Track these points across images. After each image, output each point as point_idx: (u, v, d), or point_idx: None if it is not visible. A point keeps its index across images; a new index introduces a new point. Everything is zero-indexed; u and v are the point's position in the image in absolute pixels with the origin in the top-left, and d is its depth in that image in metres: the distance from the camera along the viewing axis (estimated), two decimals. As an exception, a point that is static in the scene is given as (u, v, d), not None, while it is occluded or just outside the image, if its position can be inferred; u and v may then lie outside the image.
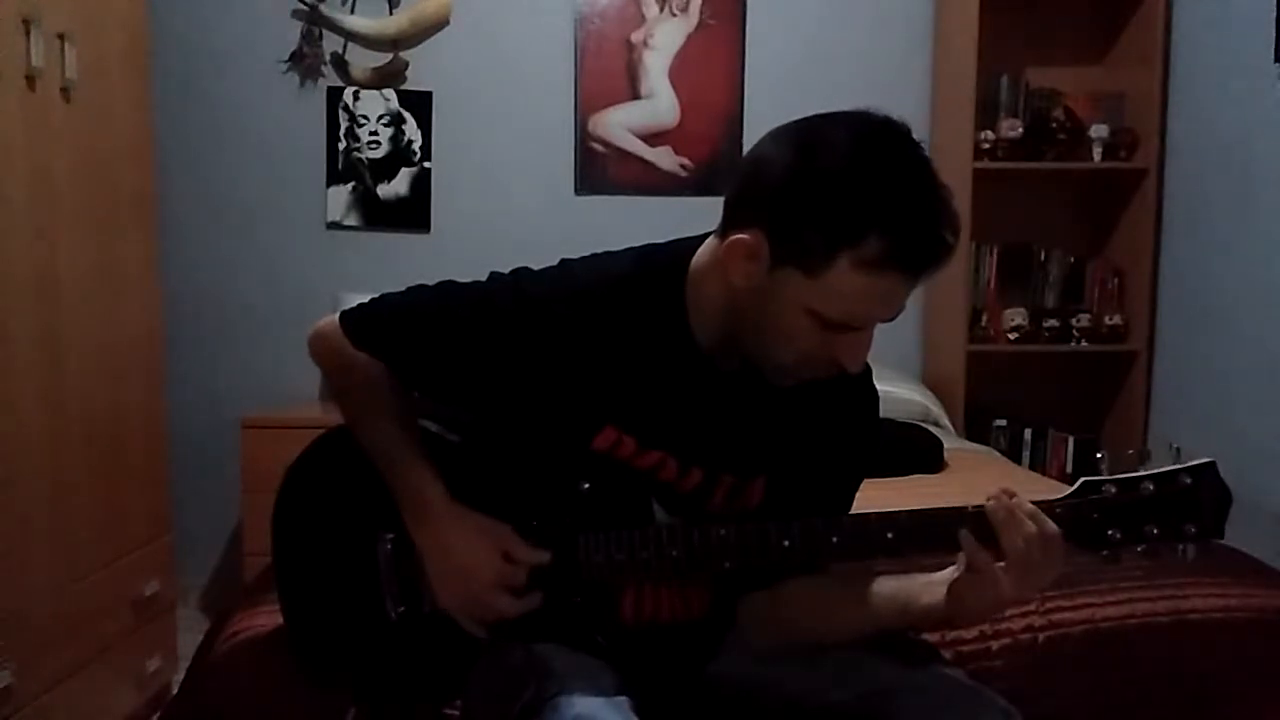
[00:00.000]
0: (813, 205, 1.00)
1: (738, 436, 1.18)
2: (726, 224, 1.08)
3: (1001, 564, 1.04)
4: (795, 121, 1.07)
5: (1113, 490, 1.07)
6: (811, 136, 1.04)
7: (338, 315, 1.26)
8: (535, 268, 1.21)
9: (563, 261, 1.21)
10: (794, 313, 1.05)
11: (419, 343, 1.20)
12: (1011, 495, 1.05)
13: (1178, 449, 1.08)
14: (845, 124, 1.04)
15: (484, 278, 1.21)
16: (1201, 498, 1.05)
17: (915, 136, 1.04)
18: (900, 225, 0.99)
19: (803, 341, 1.07)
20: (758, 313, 1.08)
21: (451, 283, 1.21)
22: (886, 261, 0.99)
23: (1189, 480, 1.06)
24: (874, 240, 0.99)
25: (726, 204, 1.10)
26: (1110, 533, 1.06)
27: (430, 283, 1.23)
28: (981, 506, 1.06)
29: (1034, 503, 1.06)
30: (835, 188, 1.00)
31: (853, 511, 1.21)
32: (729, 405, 1.17)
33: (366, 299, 1.26)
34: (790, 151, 1.03)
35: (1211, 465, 1.06)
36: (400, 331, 1.21)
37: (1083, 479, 1.08)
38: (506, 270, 1.21)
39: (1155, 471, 1.07)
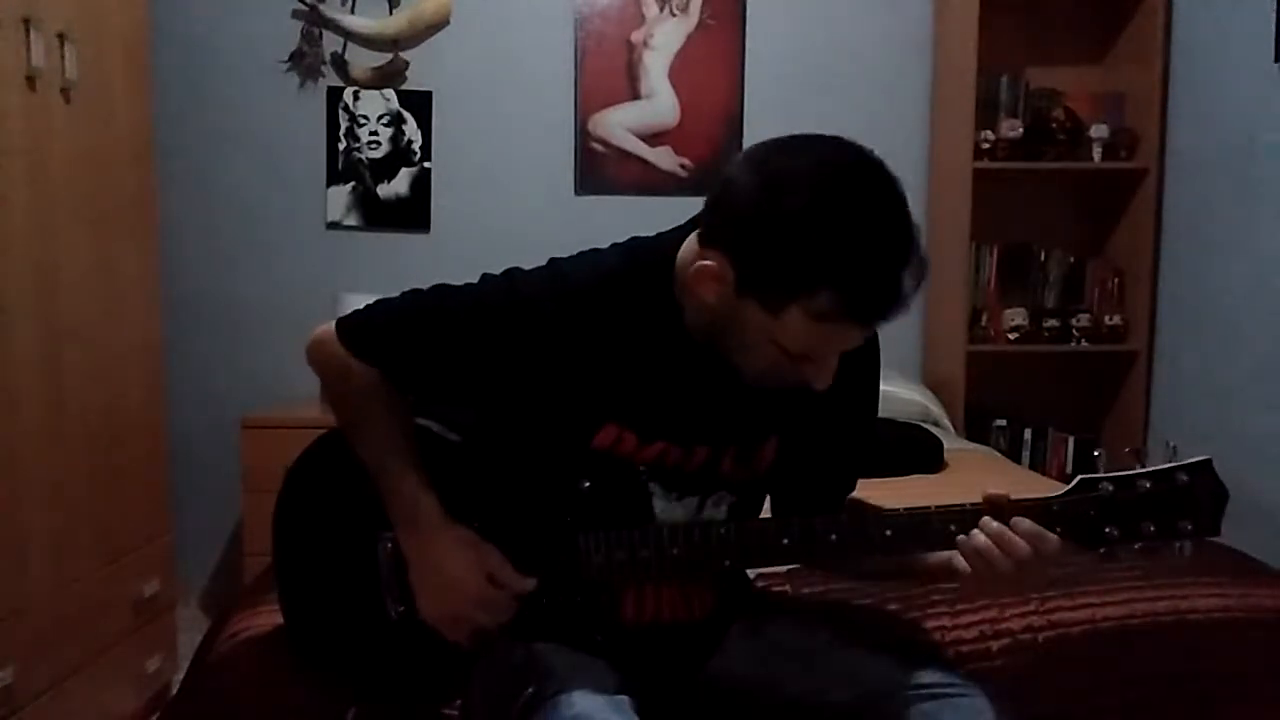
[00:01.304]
0: (769, 249, 1.01)
1: (738, 413, 1.19)
2: (702, 233, 1.09)
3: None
4: (767, 146, 1.06)
5: (1110, 488, 1.07)
6: (776, 170, 1.02)
7: (334, 322, 1.26)
8: (527, 268, 1.21)
9: (552, 260, 1.21)
10: (757, 339, 1.06)
11: (415, 348, 1.19)
12: (1010, 513, 1.05)
13: (1174, 447, 1.08)
14: (811, 161, 1.02)
15: (478, 279, 1.21)
16: (1198, 495, 1.06)
17: (890, 171, 1.02)
18: (853, 281, 0.99)
19: (769, 362, 1.08)
20: (725, 329, 1.09)
21: (445, 286, 1.21)
22: (837, 314, 1.00)
23: (1185, 478, 1.06)
24: (825, 294, 0.99)
25: (704, 208, 1.10)
26: (1108, 530, 1.06)
27: (428, 284, 1.23)
28: (980, 505, 1.07)
29: (1031, 500, 1.06)
30: (790, 236, 0.99)
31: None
32: (727, 387, 1.17)
33: (365, 301, 1.26)
34: (755, 183, 1.03)
35: (1207, 463, 1.06)
36: (396, 338, 1.21)
37: (1080, 476, 1.08)
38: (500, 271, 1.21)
39: (1152, 469, 1.07)
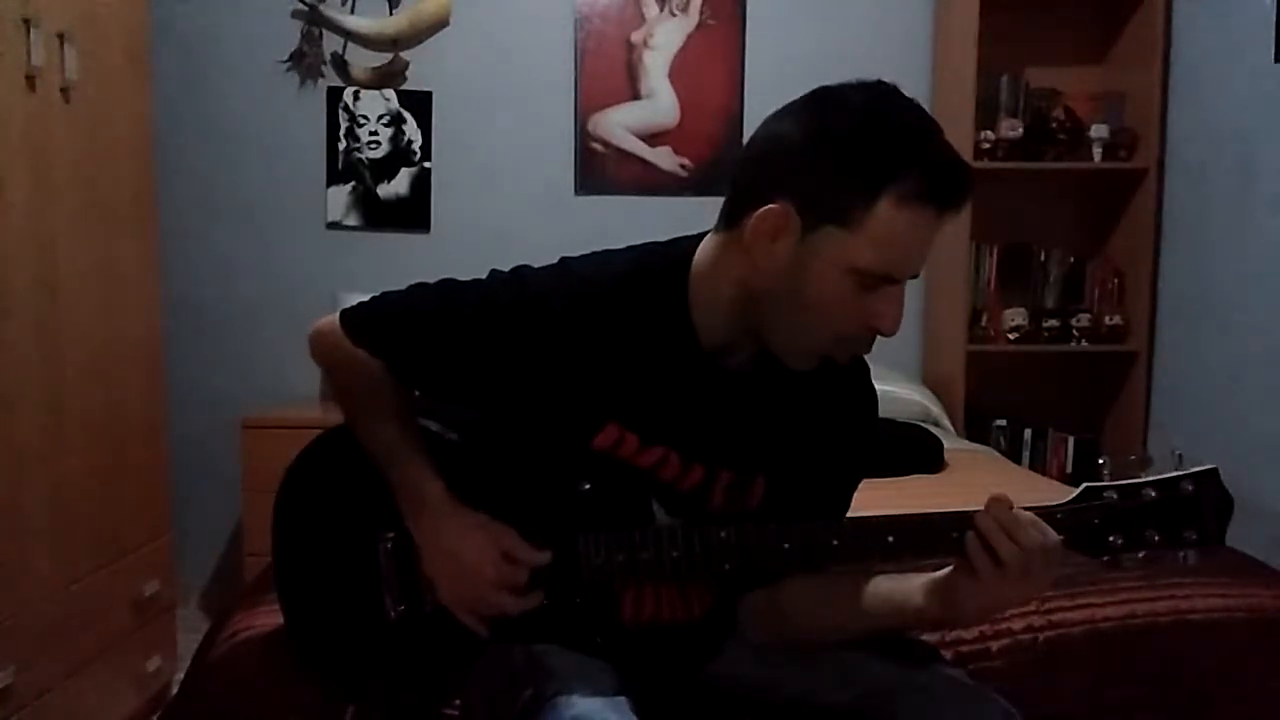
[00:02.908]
0: (845, 155, 1.02)
1: (739, 433, 1.18)
2: (737, 212, 1.08)
3: (1000, 568, 1.04)
4: (792, 101, 1.09)
5: (1115, 496, 1.06)
6: (820, 101, 1.06)
7: (338, 314, 1.26)
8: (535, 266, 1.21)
9: (563, 259, 1.21)
10: (833, 276, 1.04)
11: (419, 341, 1.20)
12: (1010, 507, 1.05)
13: (1180, 455, 1.08)
14: (845, 86, 1.06)
15: (487, 275, 1.21)
16: (1203, 504, 1.05)
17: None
18: (933, 159, 1.02)
19: (839, 310, 1.06)
20: (787, 293, 1.07)
21: (452, 280, 1.21)
22: (925, 195, 1.01)
23: (1191, 487, 1.05)
24: (913, 175, 1.00)
25: (734, 194, 1.09)
26: (1112, 538, 1.06)
27: (430, 282, 1.23)
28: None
29: (1037, 508, 1.06)
30: (865, 133, 1.02)
31: (854, 512, 1.21)
32: (731, 402, 1.17)
33: (366, 298, 1.26)
34: (802, 119, 1.05)
35: (1213, 472, 1.06)
36: (400, 330, 1.21)
37: (1085, 484, 1.08)
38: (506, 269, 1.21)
39: (1157, 478, 1.06)
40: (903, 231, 1.02)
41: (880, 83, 1.06)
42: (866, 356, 1.20)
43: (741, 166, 1.11)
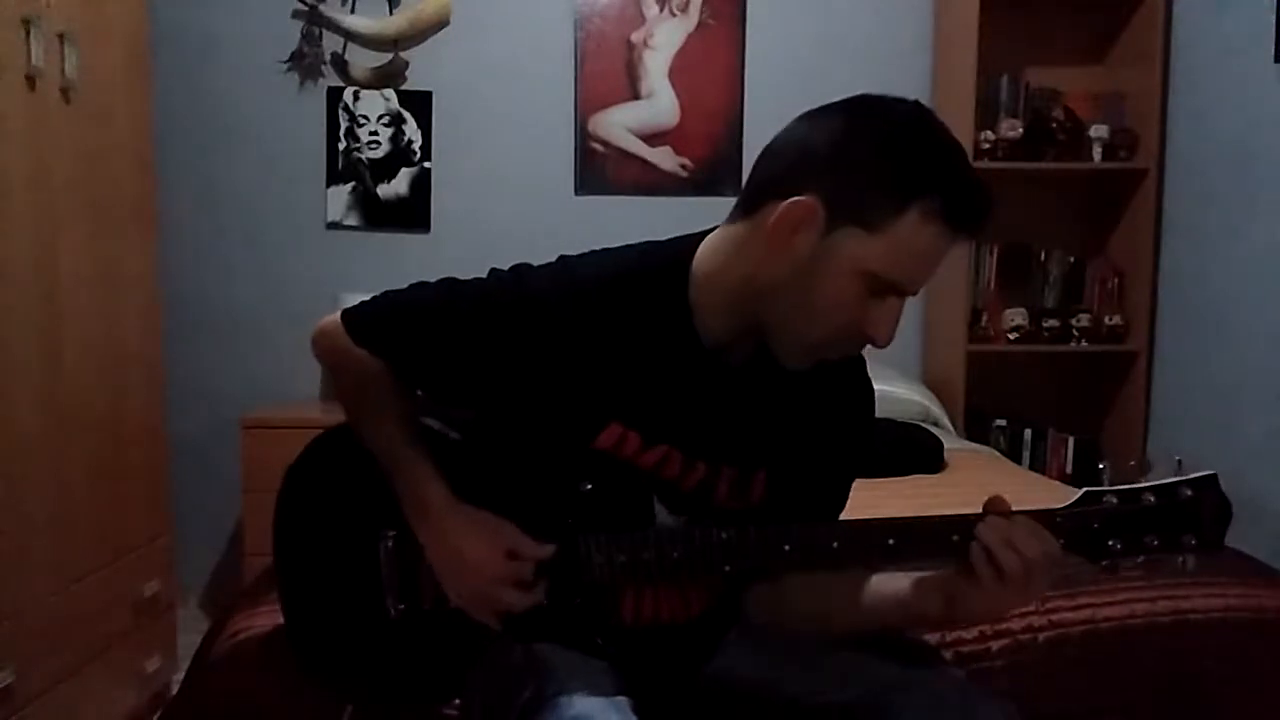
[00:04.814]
0: (882, 160, 1.03)
1: (741, 429, 1.19)
2: (757, 203, 1.08)
3: (1002, 578, 1.04)
4: (832, 103, 1.09)
5: (1114, 501, 1.06)
6: (863, 106, 1.08)
7: (340, 313, 1.26)
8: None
9: (562, 258, 1.21)
10: (846, 277, 1.05)
11: (420, 341, 1.20)
12: (1008, 514, 1.05)
13: (1179, 460, 1.09)
14: (888, 98, 1.08)
15: (487, 274, 1.21)
16: (1202, 510, 1.06)
17: None
18: (963, 182, 1.04)
19: (843, 311, 1.06)
20: (795, 288, 1.07)
21: (453, 280, 1.21)
22: (950, 215, 1.03)
23: (1190, 492, 1.06)
24: (943, 193, 1.02)
25: (756, 186, 1.09)
26: (1111, 543, 1.06)
27: (430, 281, 1.23)
28: (982, 516, 1.06)
29: (1036, 512, 1.06)
30: (904, 144, 1.03)
31: (855, 513, 1.21)
32: (732, 398, 1.17)
33: (368, 297, 1.26)
34: (843, 120, 1.06)
35: (1212, 478, 1.06)
36: (402, 329, 1.21)
37: (1085, 489, 1.08)
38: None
39: (1157, 483, 1.07)
40: (922, 245, 1.03)
41: (919, 103, 1.08)
42: (865, 354, 1.20)
43: (768, 158, 1.10)
